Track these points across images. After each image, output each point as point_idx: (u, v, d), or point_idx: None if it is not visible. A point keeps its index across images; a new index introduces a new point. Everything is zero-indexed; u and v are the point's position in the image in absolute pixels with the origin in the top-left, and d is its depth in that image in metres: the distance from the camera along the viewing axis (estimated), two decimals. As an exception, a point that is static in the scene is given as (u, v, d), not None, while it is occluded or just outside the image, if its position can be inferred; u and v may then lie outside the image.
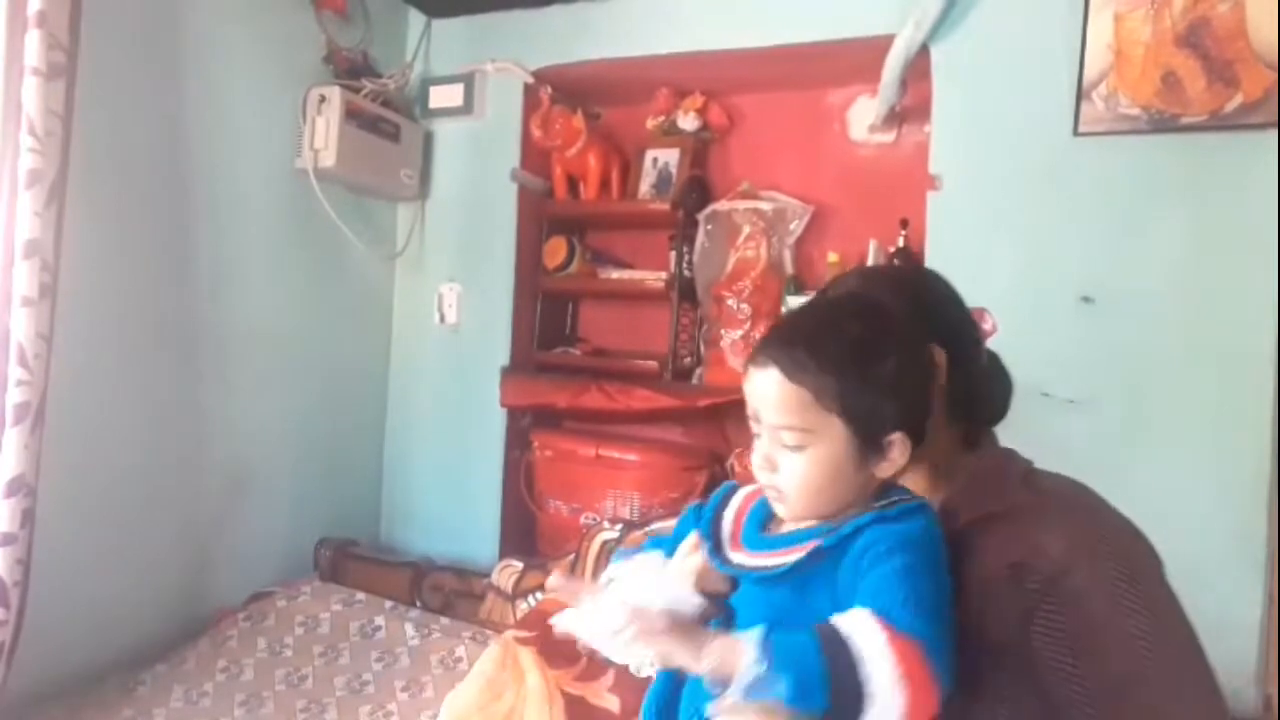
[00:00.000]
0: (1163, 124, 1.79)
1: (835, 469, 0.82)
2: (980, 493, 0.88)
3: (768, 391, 0.82)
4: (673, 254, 2.49)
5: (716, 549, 0.87)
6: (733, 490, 0.94)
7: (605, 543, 2.02)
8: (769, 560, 0.83)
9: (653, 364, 2.49)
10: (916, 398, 0.85)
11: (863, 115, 2.38)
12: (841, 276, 1.03)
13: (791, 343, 0.83)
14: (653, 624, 0.75)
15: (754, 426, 0.86)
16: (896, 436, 0.82)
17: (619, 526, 2.03)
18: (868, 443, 0.81)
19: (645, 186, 2.60)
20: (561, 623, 0.82)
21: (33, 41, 1.53)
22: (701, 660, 0.72)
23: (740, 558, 0.86)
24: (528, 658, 1.70)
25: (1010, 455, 0.93)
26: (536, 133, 2.46)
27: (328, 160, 2.25)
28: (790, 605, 0.80)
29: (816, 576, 0.79)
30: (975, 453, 0.93)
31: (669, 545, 0.94)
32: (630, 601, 0.79)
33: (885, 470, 0.83)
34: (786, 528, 0.87)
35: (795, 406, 0.81)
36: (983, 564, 0.82)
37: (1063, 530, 0.81)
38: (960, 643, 0.75)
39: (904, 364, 0.84)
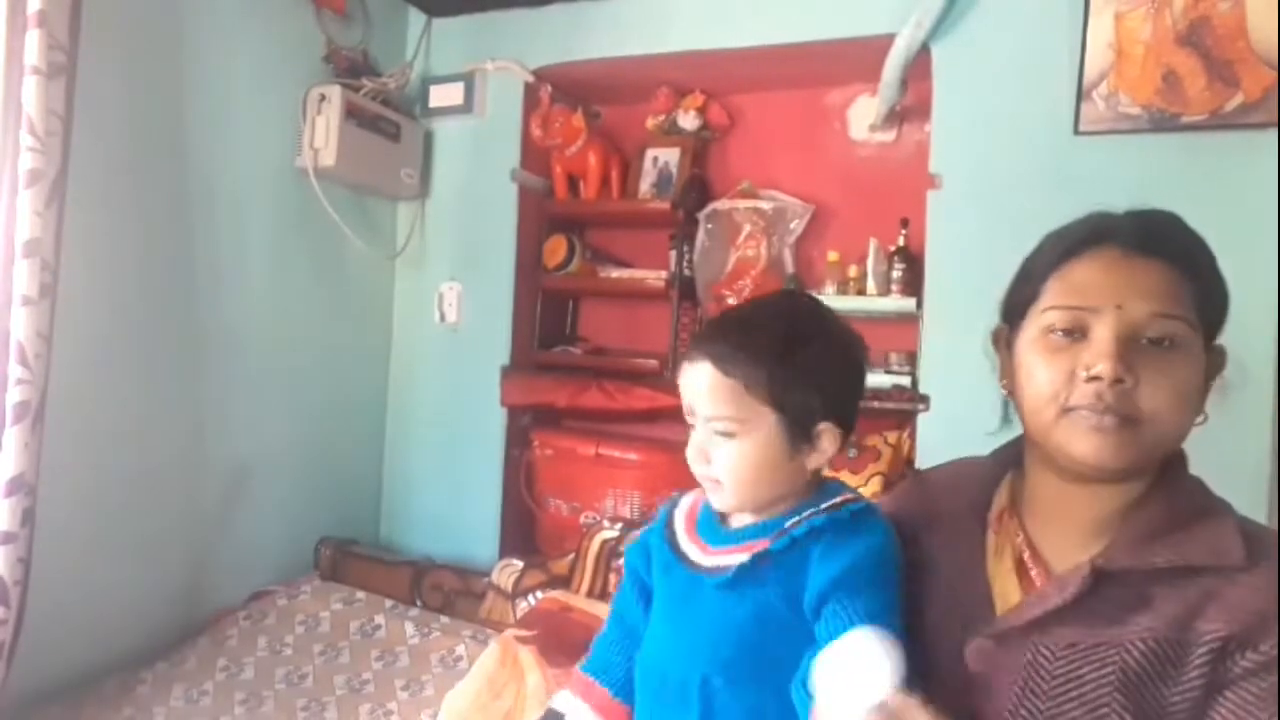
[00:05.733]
0: (1163, 123, 1.79)
1: (768, 458, 0.85)
2: (1188, 536, 0.78)
3: (700, 384, 0.85)
4: (673, 253, 2.49)
5: (681, 559, 0.90)
6: (675, 504, 0.99)
7: (605, 542, 2.02)
8: (722, 559, 0.86)
9: (653, 363, 2.49)
10: (844, 389, 0.88)
11: (863, 115, 2.38)
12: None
13: (723, 337, 0.86)
14: None
15: (689, 419, 0.89)
16: (825, 426, 0.86)
17: (619, 525, 2.03)
18: (798, 433, 0.85)
19: (645, 186, 2.60)
20: None
21: (33, 41, 1.53)
22: None
23: (698, 555, 0.89)
24: (528, 657, 1.70)
25: (1207, 490, 0.85)
26: (536, 132, 2.46)
27: (328, 159, 2.25)
28: (735, 606, 0.84)
29: (762, 576, 0.83)
30: (1172, 468, 0.84)
31: (627, 581, 0.99)
32: None
33: (815, 460, 0.87)
34: (735, 521, 0.90)
35: (727, 397, 0.84)
36: (1165, 617, 0.74)
37: None
38: (1088, 677, 0.74)
39: (831, 356, 0.87)
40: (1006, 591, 0.84)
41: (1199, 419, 0.82)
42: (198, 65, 2.03)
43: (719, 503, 0.89)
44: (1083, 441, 0.78)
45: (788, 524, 0.84)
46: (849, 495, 0.87)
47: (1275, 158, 1.68)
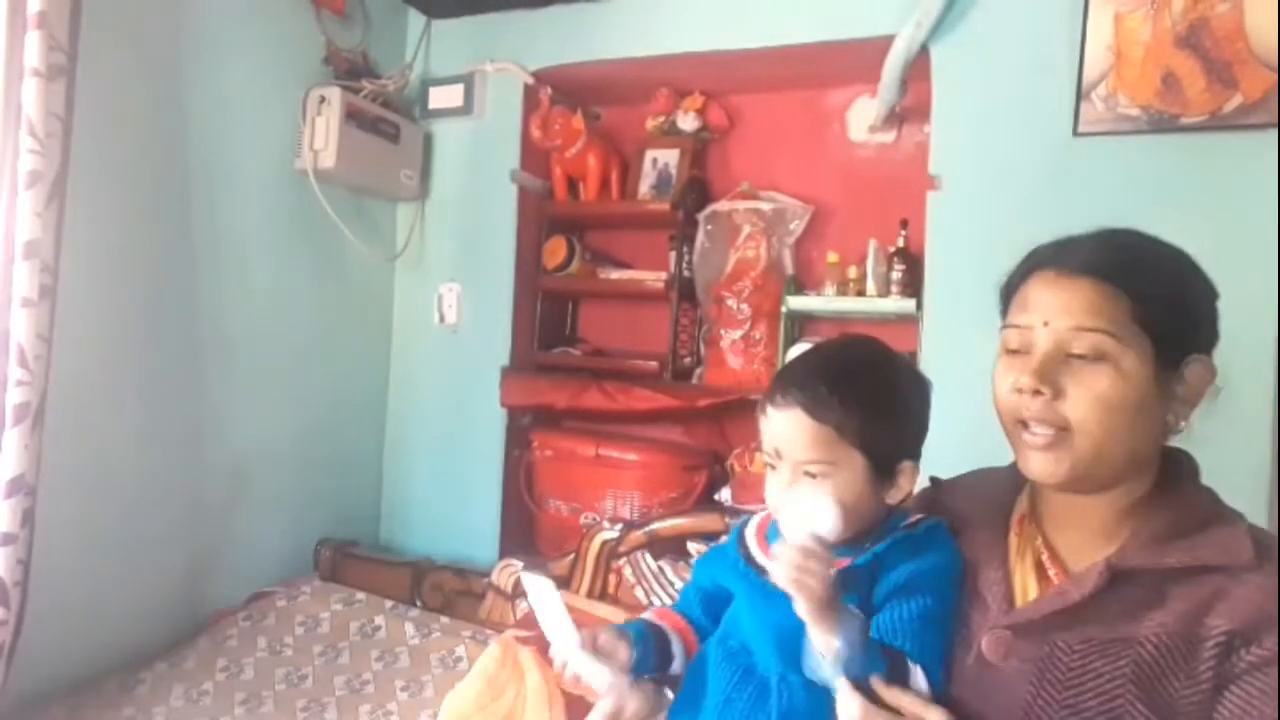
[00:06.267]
0: (1162, 124, 1.79)
1: (856, 497, 0.88)
2: (1201, 539, 0.81)
3: (792, 430, 0.89)
4: (672, 254, 2.49)
5: (760, 572, 0.93)
6: (745, 523, 1.01)
7: (605, 542, 2.02)
8: None
9: (653, 364, 2.49)
10: (921, 429, 0.94)
11: (863, 115, 2.38)
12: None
13: (812, 383, 0.89)
14: (818, 564, 0.80)
15: (771, 462, 0.92)
16: (907, 465, 0.91)
17: (619, 526, 2.03)
18: (881, 472, 0.90)
19: (645, 187, 2.60)
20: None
21: (33, 42, 1.53)
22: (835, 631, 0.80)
23: None
24: (528, 657, 1.70)
25: (1218, 499, 0.88)
26: (536, 133, 2.47)
27: (327, 161, 2.25)
28: None
29: (847, 589, 0.86)
30: (1177, 476, 0.88)
31: (693, 588, 1.05)
32: None
33: (895, 496, 0.91)
34: None
35: (820, 442, 0.88)
36: (1177, 614, 0.78)
37: None
38: (1103, 670, 0.78)
39: (911, 399, 0.93)
40: (1027, 589, 0.88)
41: (1181, 427, 0.86)
42: (198, 66, 2.03)
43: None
44: (1027, 460, 0.86)
45: (867, 544, 0.88)
46: (920, 515, 0.93)
47: (1275, 158, 1.68)
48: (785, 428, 0.89)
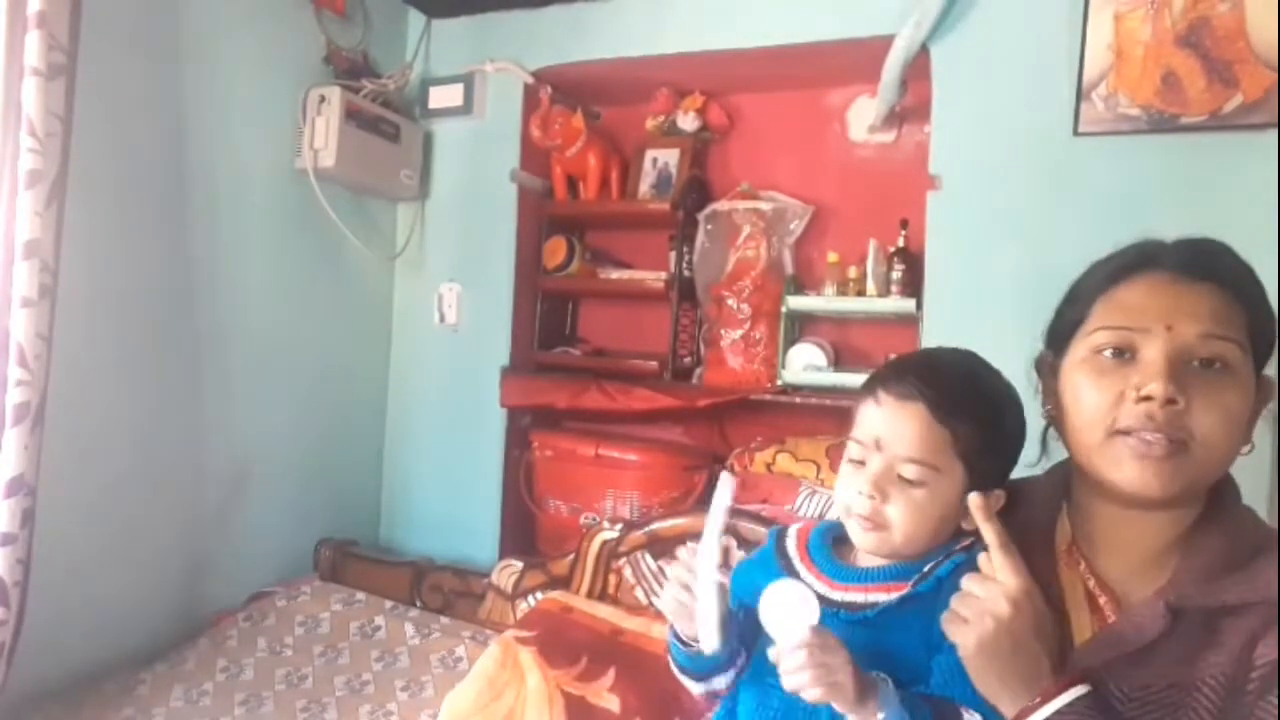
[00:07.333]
0: (1163, 124, 1.79)
1: (944, 512, 0.83)
2: (1253, 569, 0.78)
3: (906, 424, 0.83)
4: (673, 254, 2.49)
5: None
6: (783, 535, 0.96)
7: (605, 542, 2.02)
8: (857, 596, 0.85)
9: (653, 364, 2.48)
10: (1017, 459, 0.89)
11: (863, 115, 2.38)
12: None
13: (940, 382, 0.83)
14: (835, 656, 0.75)
15: (859, 452, 0.86)
16: (998, 494, 0.84)
17: (619, 526, 2.03)
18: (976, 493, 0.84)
19: (645, 186, 2.60)
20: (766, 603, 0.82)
21: (33, 42, 1.53)
22: (862, 707, 0.75)
23: (824, 588, 0.87)
24: (528, 657, 1.70)
25: (1259, 519, 0.86)
26: (536, 133, 2.46)
27: (327, 160, 2.24)
28: (873, 644, 0.81)
29: (904, 617, 0.81)
30: (1225, 500, 0.85)
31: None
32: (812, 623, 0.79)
33: (971, 523, 0.84)
34: (865, 560, 0.88)
35: (933, 445, 0.82)
36: (1231, 650, 0.75)
37: None
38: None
39: (1019, 426, 0.87)
40: (1080, 623, 0.84)
41: (1245, 449, 0.82)
42: (198, 66, 2.03)
43: (873, 544, 0.85)
44: (1126, 468, 0.78)
45: (927, 568, 0.83)
46: (972, 539, 0.86)
47: (1275, 158, 1.68)
48: (898, 421, 0.83)
